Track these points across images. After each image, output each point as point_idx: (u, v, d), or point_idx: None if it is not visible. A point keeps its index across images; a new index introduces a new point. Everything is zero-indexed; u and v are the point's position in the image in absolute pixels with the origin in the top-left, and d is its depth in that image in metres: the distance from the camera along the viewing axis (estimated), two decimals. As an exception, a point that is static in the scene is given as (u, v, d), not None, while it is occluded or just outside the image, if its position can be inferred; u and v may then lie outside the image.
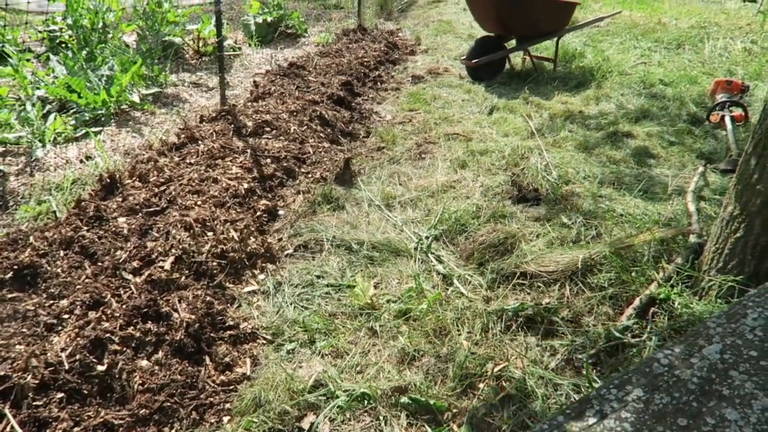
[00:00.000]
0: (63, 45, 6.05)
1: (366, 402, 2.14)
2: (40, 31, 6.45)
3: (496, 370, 2.28)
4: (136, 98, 4.99)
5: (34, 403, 1.97)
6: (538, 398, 2.13)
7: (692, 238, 2.89)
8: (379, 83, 6.52)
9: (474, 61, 6.34)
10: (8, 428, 1.90)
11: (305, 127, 4.60)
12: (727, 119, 4.61)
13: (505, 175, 3.99)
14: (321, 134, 4.63)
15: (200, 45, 6.97)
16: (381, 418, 2.07)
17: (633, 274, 2.71)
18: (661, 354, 1.23)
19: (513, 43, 6.85)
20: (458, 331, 2.49)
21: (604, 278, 2.72)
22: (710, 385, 1.14)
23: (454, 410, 2.11)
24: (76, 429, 1.95)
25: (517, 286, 2.79)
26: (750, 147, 2.34)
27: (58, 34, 6.20)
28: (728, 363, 1.19)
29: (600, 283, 2.71)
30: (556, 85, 6.39)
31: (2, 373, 2.01)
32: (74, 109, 4.63)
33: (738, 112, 4.85)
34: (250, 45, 7.74)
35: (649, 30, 9.02)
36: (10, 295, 2.49)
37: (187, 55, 6.92)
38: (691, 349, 1.25)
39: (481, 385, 2.22)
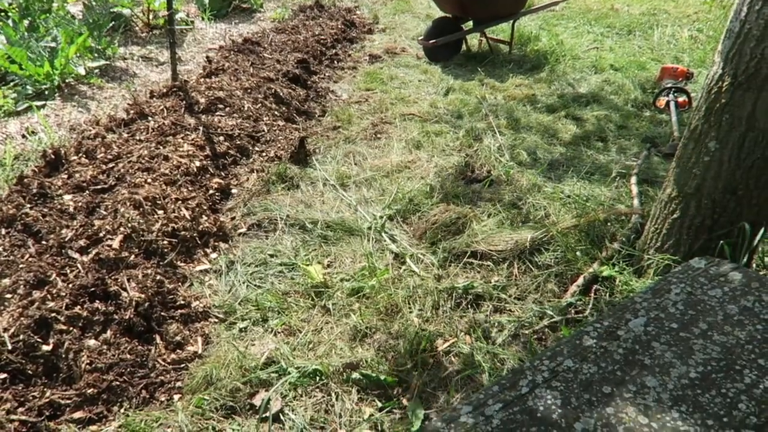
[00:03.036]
0: (2, 13, 5.75)
1: (318, 378, 2.17)
2: (-23, -2, 6.11)
3: (445, 345, 2.35)
4: (82, 71, 4.81)
5: (-24, 384, 1.93)
6: (485, 372, 2.21)
7: (634, 219, 3.02)
8: (335, 62, 6.46)
9: (431, 41, 6.35)
10: (-52, 410, 1.85)
11: (260, 104, 4.54)
12: (672, 105, 4.79)
13: (459, 156, 4.05)
14: (276, 112, 4.59)
15: (150, 18, 6.74)
16: (332, 393, 2.11)
17: (578, 253, 2.81)
18: (591, 327, 1.31)
19: (470, 24, 6.89)
20: (410, 308, 2.54)
21: (551, 257, 2.82)
22: (634, 355, 1.22)
23: (404, 385, 2.17)
24: (20, 409, 1.93)
25: (468, 265, 2.86)
26: (687, 132, 2.45)
27: (-2, 1, 5.89)
28: (651, 335, 1.27)
29: (546, 262, 2.80)
30: (511, 68, 6.47)
31: (-60, 354, 1.96)
32: (15, 82, 4.43)
33: (682, 98, 5.03)
34: (203, 19, 7.53)
35: (602, 15, 9.21)
36: (-53, 275, 2.40)
37: (137, 28, 6.69)
38: (618, 322, 1.33)
39: (430, 361, 2.29)
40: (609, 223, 3.05)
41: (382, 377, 2.16)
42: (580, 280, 2.66)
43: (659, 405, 1.08)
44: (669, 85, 5.13)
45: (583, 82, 5.95)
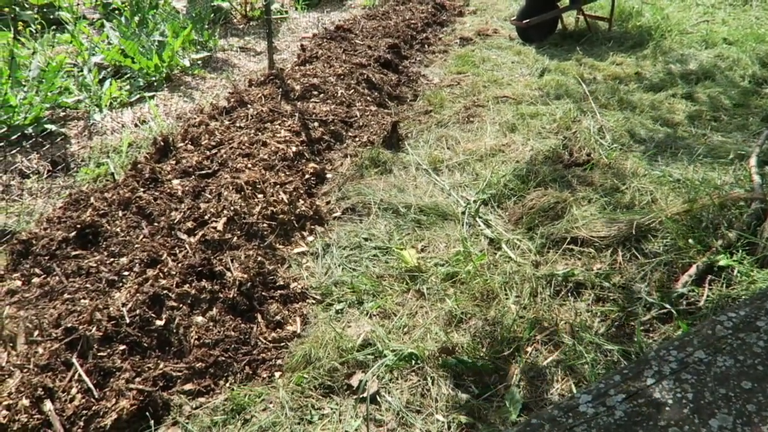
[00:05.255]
0: (116, 11, 6.16)
1: (413, 362, 2.16)
2: (94, -2, 6.58)
3: (544, 334, 2.27)
4: (186, 63, 5.07)
5: (99, 354, 2.08)
6: (587, 363, 2.11)
7: (755, 205, 2.76)
8: (426, 46, 6.40)
9: (525, 21, 6.14)
10: (75, 376, 2.01)
11: (352, 90, 4.58)
12: (798, 79, 4.34)
13: (556, 138, 3.89)
14: (368, 97, 4.61)
15: (247, 9, 6.99)
16: (428, 377, 2.09)
17: (690, 240, 2.61)
18: (725, 316, 1.19)
19: (566, 1, 6.59)
20: (506, 295, 2.47)
21: (659, 244, 2.64)
22: (777, 349, 1.09)
23: (501, 373, 2.11)
24: (137, 379, 2.05)
25: (567, 252, 2.74)
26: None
27: (111, 0, 6.32)
28: (796, 327, 1.14)
29: (654, 250, 2.63)
30: (611, 46, 6.13)
31: (70, 325, 2.13)
32: (128, 75, 4.74)
33: (810, 71, 4.55)
34: (296, 8, 7.71)
35: (714, -14, 8.50)
36: (74, 253, 2.61)
37: (235, 20, 6.96)
38: (757, 311, 1.20)
39: (528, 349, 2.21)
40: (725, 209, 2.81)
41: (479, 364, 2.11)
42: (693, 270, 2.47)
43: (808, 406, 0.97)
44: (795, 58, 4.66)
45: (692, 58, 5.53)
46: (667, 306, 2.30)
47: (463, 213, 3.09)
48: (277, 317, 2.42)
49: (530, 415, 1.87)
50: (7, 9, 5.37)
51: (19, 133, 3.64)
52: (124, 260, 2.54)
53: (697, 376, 0.99)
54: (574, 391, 2.01)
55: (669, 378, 0.98)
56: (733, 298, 2.29)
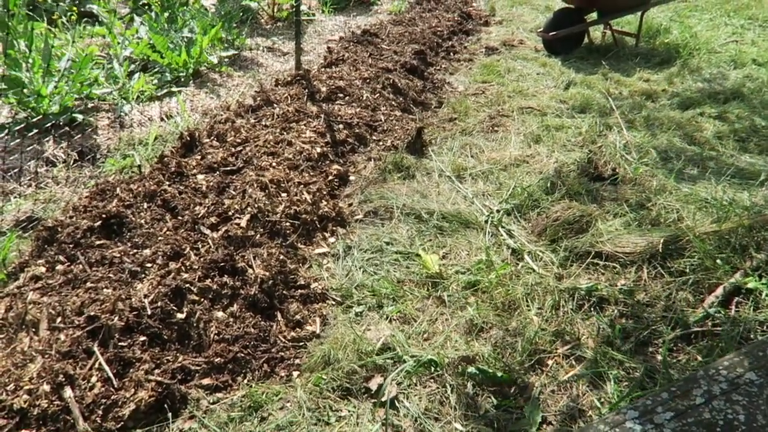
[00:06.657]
0: (146, 6, 6.23)
1: (433, 369, 2.14)
2: (125, -7, 6.66)
3: (566, 348, 2.24)
4: (214, 60, 5.10)
5: (120, 344, 2.08)
6: (609, 379, 2.08)
7: (785, 228, 2.72)
8: (452, 53, 6.40)
9: (552, 33, 6.11)
10: (96, 365, 2.01)
11: (377, 94, 4.58)
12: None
13: (582, 152, 3.86)
14: (393, 102, 4.60)
15: (275, 10, 7.03)
16: (447, 385, 2.07)
17: (717, 261, 2.57)
18: (774, 338, 1.16)
19: (593, 16, 6.55)
20: (528, 306, 2.44)
21: (686, 263, 2.60)
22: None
23: (521, 384, 2.09)
24: (156, 371, 2.05)
25: (591, 266, 2.71)
26: None
27: (142, -5, 6.39)
28: None
29: (680, 269, 2.59)
30: (637, 62, 6.08)
31: (92, 314, 2.14)
32: (156, 69, 4.78)
33: (842, 96, 4.48)
34: (323, 11, 7.75)
35: (743, 6, 8.42)
36: (98, 242, 2.62)
37: (262, 20, 7.00)
38: (805, 335, 1.17)
39: (550, 362, 2.19)
40: (754, 231, 2.77)
41: (499, 374, 2.08)
42: (720, 291, 2.44)
43: None
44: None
45: (720, 77, 5.47)
46: (715, 316, 2.26)
47: (486, 222, 3.07)
48: (297, 316, 2.41)
49: (578, 429, 1.84)
50: (41, 0, 5.45)
51: (50, 122, 3.68)
52: (147, 252, 2.55)
53: (749, 398, 0.96)
54: (598, 405, 1.98)
55: (719, 398, 0.96)
56: (760, 322, 2.26)
